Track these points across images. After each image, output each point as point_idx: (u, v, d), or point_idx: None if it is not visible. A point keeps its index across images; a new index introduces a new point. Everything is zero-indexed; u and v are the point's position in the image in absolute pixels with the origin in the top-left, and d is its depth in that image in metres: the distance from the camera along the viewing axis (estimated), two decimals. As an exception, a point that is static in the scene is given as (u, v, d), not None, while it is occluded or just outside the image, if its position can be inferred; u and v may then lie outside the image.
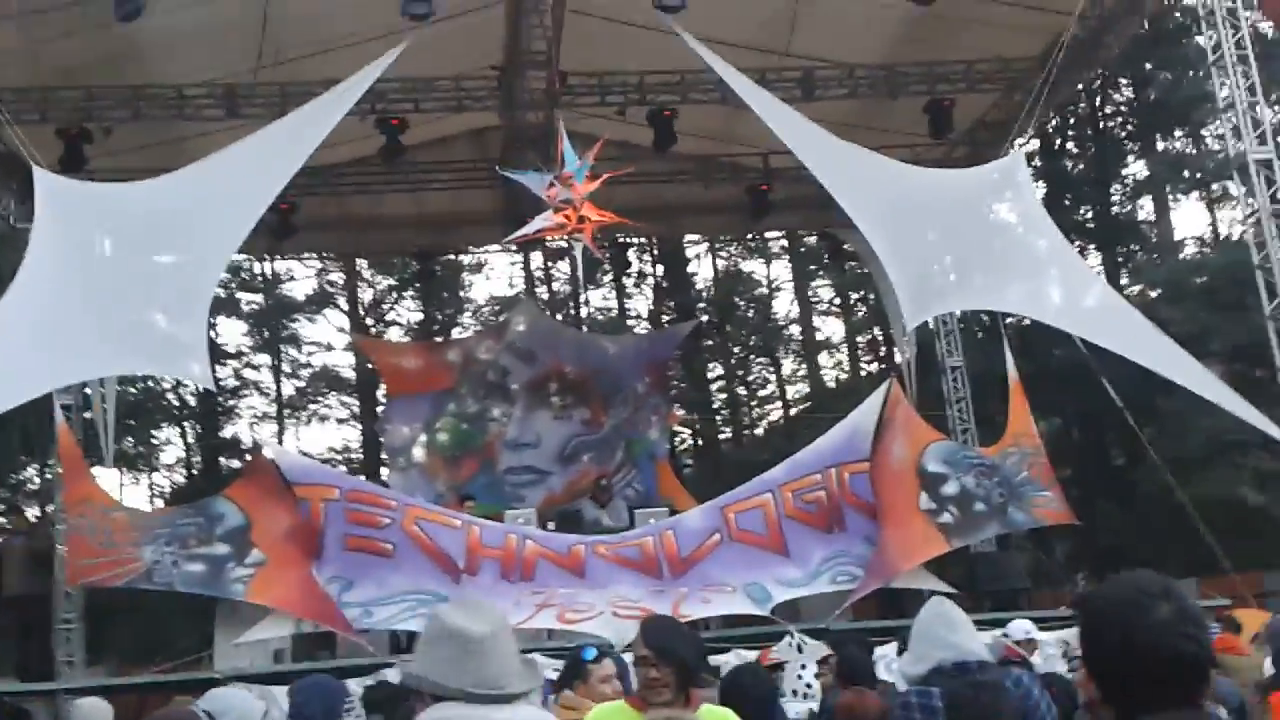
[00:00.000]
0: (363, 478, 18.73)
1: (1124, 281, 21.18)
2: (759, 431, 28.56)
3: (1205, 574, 13.19)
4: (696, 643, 3.70)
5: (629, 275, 27.36)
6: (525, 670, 2.22)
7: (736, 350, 28.97)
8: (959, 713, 3.44)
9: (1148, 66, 21.94)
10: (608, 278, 27.43)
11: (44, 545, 11.42)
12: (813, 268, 27.74)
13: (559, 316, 23.61)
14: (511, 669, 2.18)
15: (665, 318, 26.73)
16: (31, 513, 12.14)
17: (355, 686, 6.07)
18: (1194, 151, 22.61)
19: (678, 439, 25.07)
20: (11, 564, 11.12)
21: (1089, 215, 22.81)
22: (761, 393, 29.41)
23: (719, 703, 3.79)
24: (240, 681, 7.57)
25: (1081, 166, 23.92)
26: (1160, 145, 23.16)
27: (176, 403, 25.65)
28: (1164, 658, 1.69)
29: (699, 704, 3.47)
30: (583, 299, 26.41)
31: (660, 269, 28.33)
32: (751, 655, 8.59)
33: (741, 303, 28.92)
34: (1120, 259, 22.78)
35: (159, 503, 23.05)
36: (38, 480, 19.75)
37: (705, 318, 26.61)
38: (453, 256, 23.80)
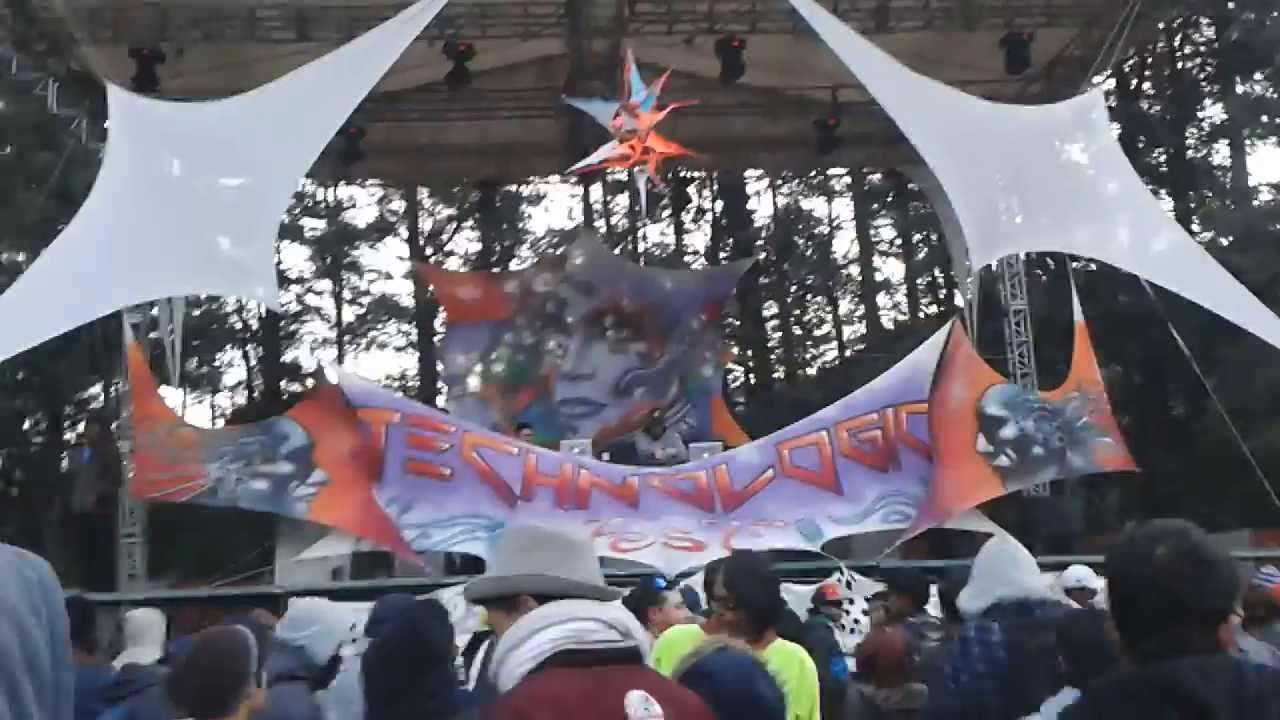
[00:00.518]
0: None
1: (1195, 228, 20.66)
2: (813, 371, 28.45)
3: (1262, 527, 13.02)
4: (775, 586, 3.72)
5: (688, 211, 27.23)
6: (598, 573, 2.30)
7: (794, 289, 28.77)
8: (1019, 650, 3.43)
9: (1230, 6, 21.19)
10: (666, 213, 27.26)
11: (111, 461, 11.68)
12: (875, 207, 27.37)
13: (617, 251, 23.55)
14: (594, 572, 2.27)
15: (723, 255, 26.57)
16: (99, 429, 12.35)
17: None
18: (1274, 96, 21.88)
19: (732, 376, 25.06)
20: (80, 479, 11.39)
21: (1162, 158, 22.25)
22: (817, 332, 29.26)
23: None
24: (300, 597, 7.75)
25: (1157, 108, 23.28)
26: (1239, 89, 22.44)
27: (240, 325, 26.09)
28: (1157, 598, 1.71)
29: (770, 642, 3.51)
30: (641, 233, 26.32)
31: (720, 205, 28.11)
32: (801, 589, 8.65)
33: (801, 241, 28.65)
34: (1192, 205, 22.25)
35: (221, 423, 23.50)
36: (104, 398, 20.23)
37: (763, 255, 26.42)
38: (513, 188, 23.80)
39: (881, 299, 28.67)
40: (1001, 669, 3.44)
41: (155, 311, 13.60)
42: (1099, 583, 7.41)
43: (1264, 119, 21.77)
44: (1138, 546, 1.78)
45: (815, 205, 29.01)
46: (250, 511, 10.60)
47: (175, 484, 10.30)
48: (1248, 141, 22.50)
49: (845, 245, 28.97)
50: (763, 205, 28.50)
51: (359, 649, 3.89)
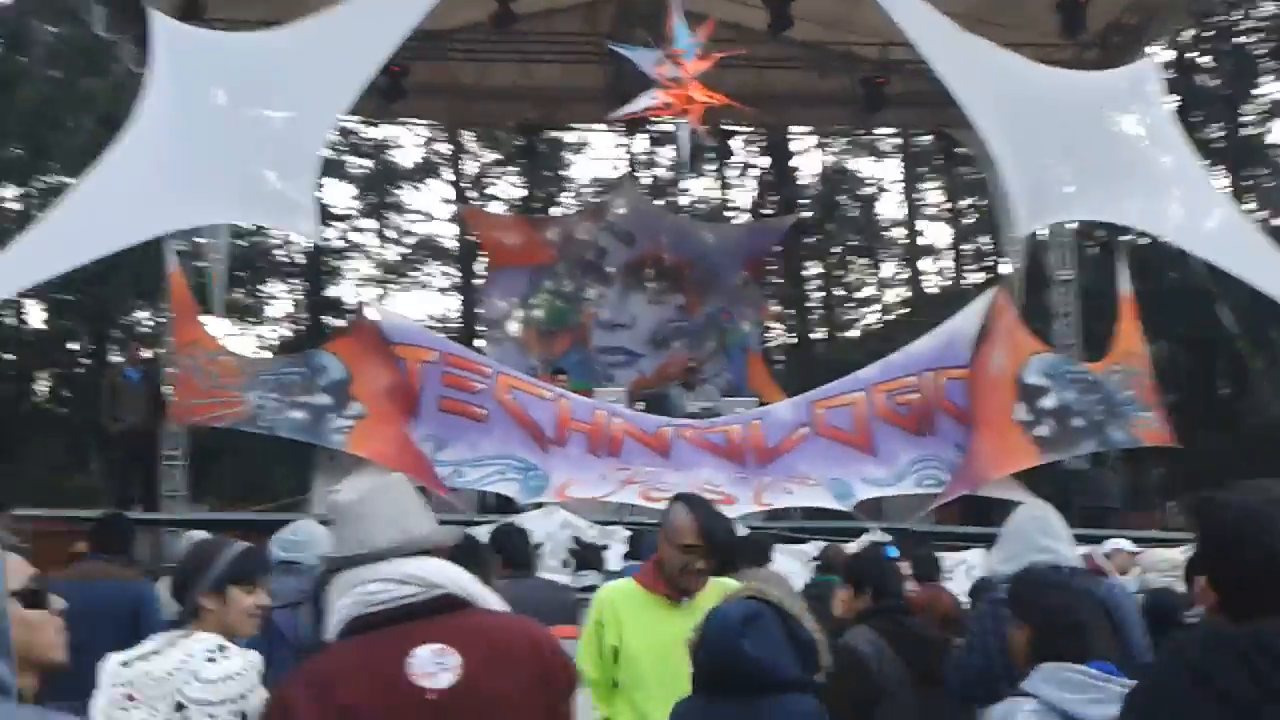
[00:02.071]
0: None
1: (1249, 206, 20.25)
2: (854, 333, 28.27)
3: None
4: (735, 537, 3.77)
5: (732, 165, 26.98)
6: (410, 530, 2.09)
7: (837, 249, 28.53)
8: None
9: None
10: (711, 167, 27.06)
11: (155, 383, 11.83)
12: (923, 169, 27.01)
13: (660, 203, 23.42)
14: (389, 532, 2.06)
15: (767, 211, 26.35)
16: (144, 353, 12.49)
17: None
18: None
19: (770, 334, 24.95)
20: (124, 399, 11.54)
21: (1218, 134, 21.79)
22: (859, 294, 29.03)
23: None
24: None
25: (1215, 83, 22.77)
26: (1302, 65, 21.90)
27: (285, 259, 26.26)
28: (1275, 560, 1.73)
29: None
30: (684, 185, 26.15)
31: (765, 161, 27.85)
32: (808, 549, 8.63)
33: (846, 201, 28.36)
34: (1247, 182, 21.81)
35: (265, 354, 23.73)
36: (149, 323, 20.46)
37: (808, 214, 26.18)
38: (557, 134, 23.68)
39: (926, 264, 28.42)
40: None
41: (201, 240, 13.71)
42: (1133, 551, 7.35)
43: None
44: (1262, 513, 1.78)
45: (862, 165, 28.67)
46: (290, 441, 10.71)
47: (215, 409, 10.41)
48: (1308, 119, 22.00)
49: (891, 207, 28.70)
50: (808, 163, 28.24)
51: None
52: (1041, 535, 3.76)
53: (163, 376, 12.03)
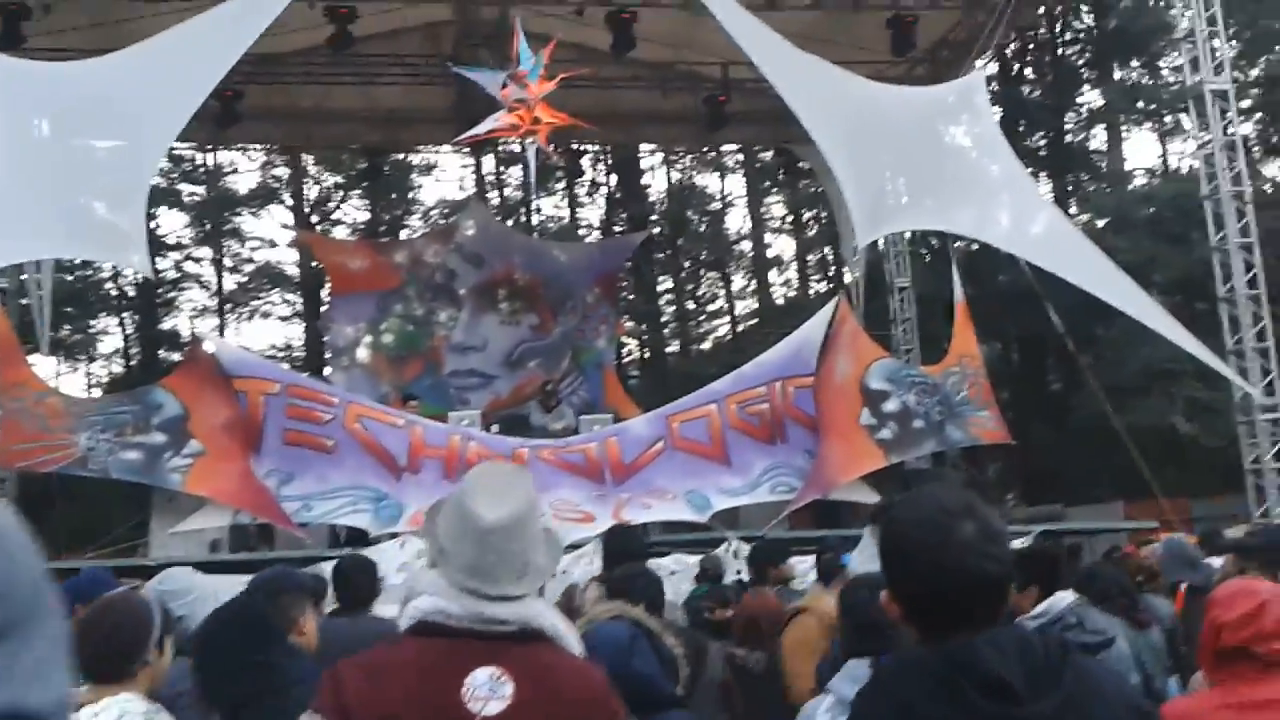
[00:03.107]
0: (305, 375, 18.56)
1: (1073, 210, 21.35)
2: (706, 346, 28.68)
3: (1134, 499, 13.58)
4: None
5: (581, 184, 27.11)
6: (530, 566, 2.06)
7: (687, 264, 28.93)
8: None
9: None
10: (560, 185, 27.13)
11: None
12: (767, 184, 27.63)
13: (509, 222, 23.35)
14: (512, 566, 2.03)
15: (617, 228, 26.55)
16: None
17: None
18: (1149, 82, 22.69)
19: (625, 349, 25.11)
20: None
21: (1042, 142, 22.89)
22: (710, 307, 29.49)
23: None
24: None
25: (1038, 93, 23.94)
26: (1117, 75, 23.21)
27: (115, 292, 25.18)
28: (968, 578, 1.66)
29: None
30: (534, 205, 26.13)
31: (613, 179, 28.07)
32: (691, 560, 8.72)
33: (694, 216, 28.79)
34: (1070, 187, 22.96)
35: (96, 392, 22.69)
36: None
37: (657, 230, 26.48)
38: (402, 157, 23.37)
39: (773, 275, 29.07)
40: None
41: (24, 276, 13.06)
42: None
43: (1140, 105, 22.56)
44: (934, 525, 1.69)
45: (708, 181, 29.21)
46: (124, 483, 10.26)
47: (43, 454, 9.91)
48: (1124, 127, 23.33)
49: (738, 221, 29.28)
50: (656, 179, 28.61)
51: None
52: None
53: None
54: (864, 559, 3.93)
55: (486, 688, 1.92)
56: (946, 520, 1.69)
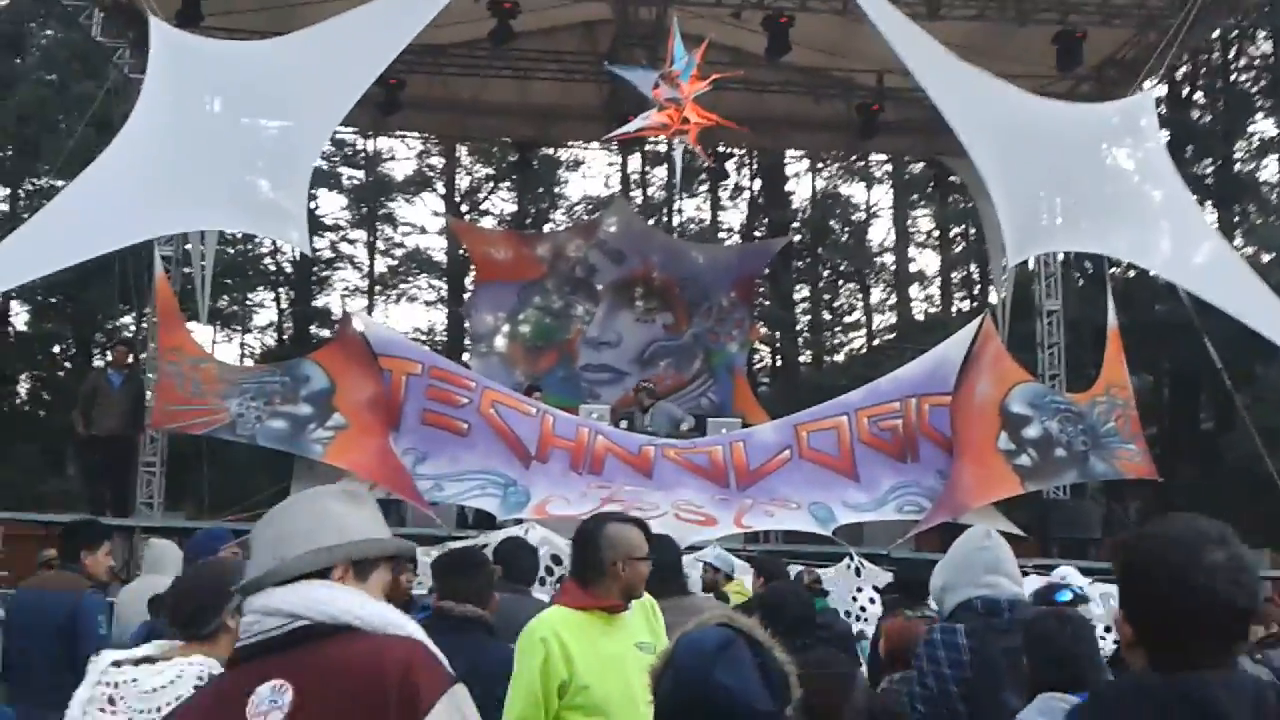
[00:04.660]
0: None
1: (1238, 242, 20.38)
2: (840, 358, 28.31)
3: (1281, 547, 12.90)
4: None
5: (725, 187, 27.05)
6: (297, 538, 1.94)
7: (826, 273, 28.61)
8: (984, 653, 3.37)
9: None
10: (703, 188, 27.13)
11: (136, 388, 11.74)
12: (915, 197, 27.13)
13: (651, 222, 23.48)
14: (262, 558, 1.95)
15: (758, 233, 26.42)
16: (127, 355, 12.41)
17: (423, 556, 6.23)
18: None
19: (757, 356, 24.97)
20: (105, 404, 11.43)
21: (1209, 170, 21.93)
22: (847, 319, 29.10)
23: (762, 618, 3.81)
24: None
25: (1207, 119, 22.94)
26: (1293, 104, 22.08)
27: (273, 267, 26.22)
28: (1215, 603, 1.62)
29: None
30: (677, 205, 26.21)
31: (758, 184, 27.93)
32: (822, 573, 8.62)
33: (837, 225, 28.46)
34: (1236, 218, 21.95)
35: (249, 362, 23.65)
36: (134, 328, 20.39)
37: (798, 237, 26.26)
38: (551, 151, 23.72)
39: (914, 290, 28.50)
40: (965, 672, 3.38)
41: (188, 246, 13.67)
42: (1082, 581, 7.36)
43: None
44: (1188, 547, 1.65)
45: (854, 191, 28.82)
46: (268, 450, 10.65)
47: (195, 416, 10.35)
48: (1297, 157, 22.17)
49: (881, 233, 28.80)
50: (801, 187, 28.34)
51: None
52: (983, 573, 3.66)
53: (145, 382, 11.96)
54: (941, 585, 3.69)
55: (267, 701, 1.82)
56: (1200, 543, 1.66)
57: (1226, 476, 16.91)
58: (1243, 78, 22.90)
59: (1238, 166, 22.32)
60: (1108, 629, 6.10)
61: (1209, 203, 21.16)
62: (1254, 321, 10.84)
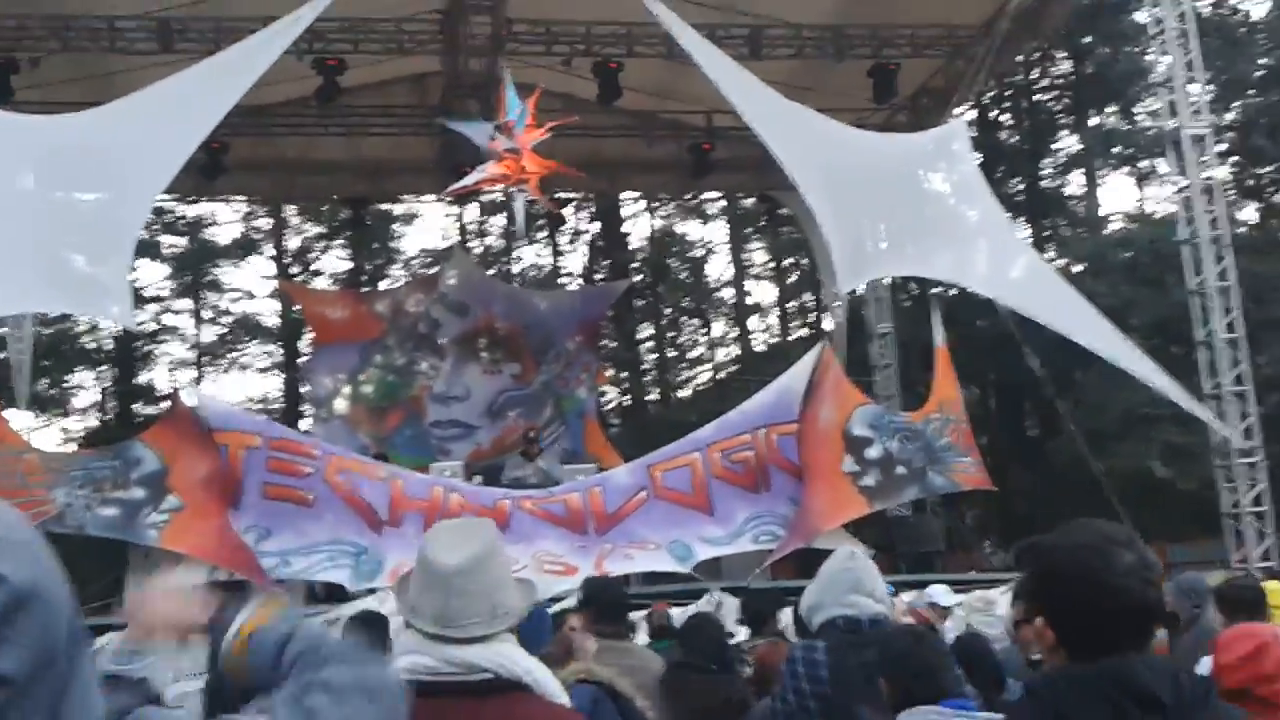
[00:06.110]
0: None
1: (1050, 255, 21.51)
2: (687, 393, 28.68)
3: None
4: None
5: (564, 232, 27.20)
6: (499, 607, 2.06)
7: (668, 311, 29.00)
8: (840, 669, 3.44)
9: (1085, 40, 22.22)
10: (542, 234, 27.22)
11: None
12: (749, 230, 27.80)
13: (491, 271, 23.38)
14: (478, 607, 2.04)
15: (599, 276, 26.63)
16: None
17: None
18: (1126, 127, 23.01)
19: (606, 398, 25.07)
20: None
21: (1019, 187, 23.16)
22: (691, 354, 29.52)
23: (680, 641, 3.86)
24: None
25: (1015, 139, 24.24)
26: (1093, 120, 23.53)
27: (93, 345, 25.01)
28: (1130, 602, 1.76)
29: None
30: (517, 254, 26.20)
31: (596, 226, 28.18)
32: (673, 611, 8.62)
33: (675, 264, 28.92)
34: (1047, 232, 23.19)
35: (71, 447, 22.48)
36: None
37: (639, 277, 26.56)
38: (384, 206, 23.43)
39: (754, 322, 29.17)
40: (824, 689, 3.45)
41: (3, 330, 12.97)
42: (952, 600, 7.63)
43: (1115, 150, 22.85)
44: (1099, 552, 1.78)
45: (690, 228, 29.36)
46: (100, 539, 10.11)
47: (21, 510, 9.73)
48: (1100, 172, 23.62)
49: (719, 268, 29.41)
50: (639, 227, 28.74)
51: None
52: (846, 592, 3.75)
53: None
54: (807, 606, 3.77)
55: None
56: (1110, 547, 1.79)
57: (1055, 479, 17.75)
58: (1045, 98, 24.31)
59: (1045, 183, 23.62)
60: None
61: (1022, 219, 22.32)
62: (1068, 330, 11.45)
